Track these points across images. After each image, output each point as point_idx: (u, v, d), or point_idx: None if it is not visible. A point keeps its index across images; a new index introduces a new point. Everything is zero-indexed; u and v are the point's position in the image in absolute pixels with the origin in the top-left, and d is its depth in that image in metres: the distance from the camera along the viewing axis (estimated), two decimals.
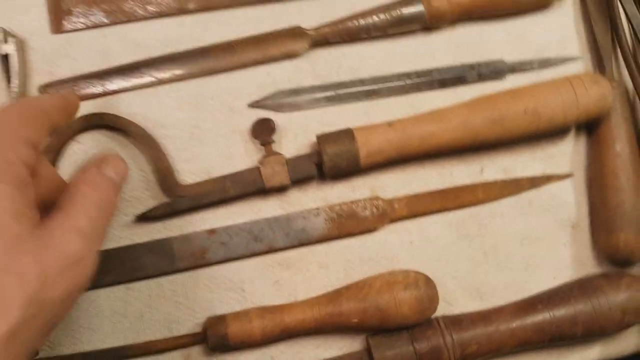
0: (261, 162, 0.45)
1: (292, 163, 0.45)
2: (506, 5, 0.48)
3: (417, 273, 0.44)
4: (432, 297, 0.43)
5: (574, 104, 0.44)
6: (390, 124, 0.45)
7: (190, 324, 0.45)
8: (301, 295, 0.46)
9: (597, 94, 0.44)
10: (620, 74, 0.50)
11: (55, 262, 0.30)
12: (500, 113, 0.44)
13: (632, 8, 0.47)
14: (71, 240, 0.31)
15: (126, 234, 0.45)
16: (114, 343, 0.44)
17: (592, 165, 0.48)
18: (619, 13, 0.49)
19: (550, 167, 0.49)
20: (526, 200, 0.48)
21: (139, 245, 0.45)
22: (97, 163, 0.35)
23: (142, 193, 0.46)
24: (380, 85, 0.48)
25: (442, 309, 0.46)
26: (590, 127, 0.48)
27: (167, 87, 0.47)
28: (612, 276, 0.45)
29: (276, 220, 0.46)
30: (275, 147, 0.46)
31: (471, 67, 0.48)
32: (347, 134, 0.45)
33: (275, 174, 0.45)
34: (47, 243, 0.30)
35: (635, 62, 0.49)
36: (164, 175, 0.45)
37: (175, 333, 0.45)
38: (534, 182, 0.48)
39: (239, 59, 0.47)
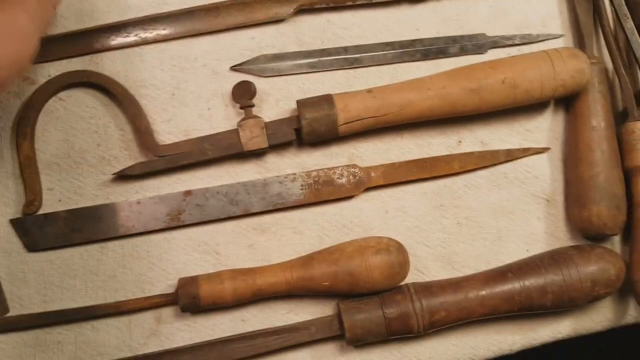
0: (240, 125, 0.45)
1: (271, 127, 0.45)
2: None
3: (390, 239, 0.44)
4: (403, 263, 0.44)
5: (552, 76, 0.44)
6: (370, 91, 0.45)
7: (163, 285, 0.45)
8: (275, 260, 0.46)
9: (574, 67, 0.44)
10: (601, 52, 0.51)
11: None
12: (479, 83, 0.44)
13: None
14: (18, 16, 0.34)
15: (103, 193, 0.46)
16: (86, 302, 0.44)
17: (568, 139, 0.49)
18: None
19: (527, 140, 0.49)
20: (502, 172, 0.49)
21: (115, 204, 0.45)
22: None
23: (121, 152, 0.46)
24: (363, 54, 0.48)
25: (414, 277, 0.47)
26: (569, 102, 0.49)
27: (151, 47, 0.48)
28: (584, 248, 0.45)
29: (253, 184, 0.46)
30: (255, 111, 0.47)
31: (454, 39, 0.49)
32: (326, 100, 0.45)
33: (254, 138, 0.45)
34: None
35: (615, 40, 0.50)
36: (143, 134, 0.45)
37: (148, 294, 0.45)
38: (511, 155, 0.48)
39: (223, 21, 0.47)
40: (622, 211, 0.45)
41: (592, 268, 0.44)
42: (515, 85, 0.44)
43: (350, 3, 0.47)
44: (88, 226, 0.45)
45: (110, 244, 0.45)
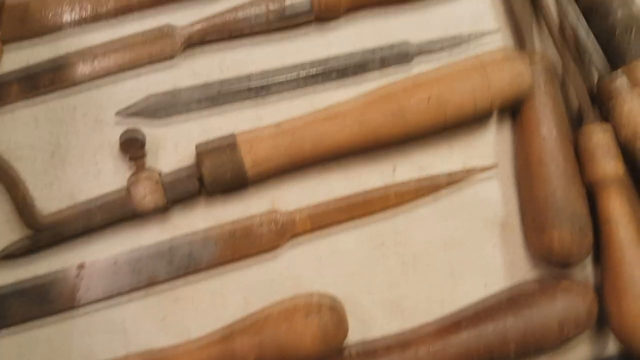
0: (131, 182, 0.38)
1: (169, 180, 0.39)
2: None
3: (322, 296, 0.38)
4: (338, 324, 0.37)
5: (486, 87, 0.38)
6: (278, 126, 0.39)
7: None
8: (194, 333, 0.40)
9: (512, 72, 0.38)
10: (545, 46, 0.44)
11: None
12: (401, 104, 0.38)
13: None
14: None
15: None
16: None
17: (517, 153, 0.42)
18: None
19: (472, 158, 0.43)
20: (446, 199, 0.42)
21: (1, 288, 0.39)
22: None
23: (1, 226, 0.40)
24: (270, 80, 0.42)
25: (359, 331, 0.41)
26: (514, 110, 0.42)
27: (22, 102, 0.41)
28: (547, 282, 0.39)
29: (156, 247, 0.40)
30: (151, 160, 0.40)
31: (372, 52, 0.42)
32: (228, 142, 0.38)
33: (148, 195, 0.38)
34: None
35: (561, 30, 0.43)
36: (22, 205, 0.39)
37: None
38: (453, 178, 0.42)
39: (100, 67, 0.40)
40: (587, 232, 0.39)
41: (558, 306, 0.37)
42: (443, 103, 0.37)
43: (247, 31, 0.41)
44: None
45: (3, 333, 0.39)
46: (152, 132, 0.41)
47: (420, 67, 0.42)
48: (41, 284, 0.39)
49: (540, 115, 0.40)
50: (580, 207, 0.39)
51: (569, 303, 0.38)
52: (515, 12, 0.43)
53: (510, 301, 0.38)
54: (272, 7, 0.40)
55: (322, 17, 0.41)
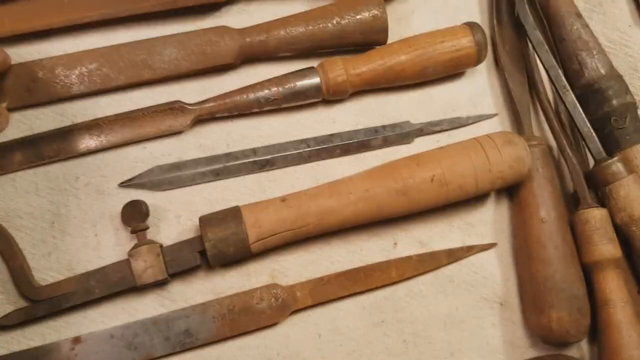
0: (131, 255, 0.38)
1: (170, 252, 0.38)
2: (413, 77, 0.43)
3: None
4: None
5: (487, 169, 0.39)
6: (284, 200, 0.39)
7: None
8: None
9: (512, 156, 0.39)
10: (542, 130, 0.46)
11: None
12: (405, 183, 0.38)
13: (548, 58, 0.43)
14: None
15: None
16: None
17: (516, 233, 0.43)
18: (536, 65, 0.45)
19: (471, 236, 0.43)
20: (446, 276, 0.42)
21: None
22: None
23: None
24: (275, 155, 0.42)
25: None
26: (512, 189, 0.43)
27: (20, 172, 0.41)
28: None
29: (153, 322, 0.39)
30: (153, 231, 0.40)
31: (375, 130, 0.43)
32: (233, 214, 0.38)
33: (149, 268, 0.38)
34: None
35: (557, 116, 0.45)
36: (19, 275, 0.38)
37: None
38: (453, 255, 0.42)
39: (106, 140, 0.41)
40: (584, 314, 0.39)
41: None
42: (446, 183, 0.38)
43: (256, 110, 0.42)
44: None
45: None
46: (155, 202, 0.41)
47: (420, 147, 0.42)
48: (35, 357, 0.37)
49: (538, 198, 0.41)
50: (578, 288, 0.39)
51: None
52: (514, 97, 0.44)
53: None
54: (282, 90, 0.41)
55: (329, 99, 0.42)
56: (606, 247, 0.39)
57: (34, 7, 0.40)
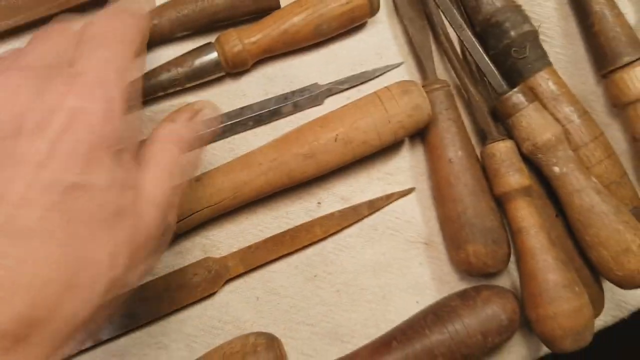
0: None
1: None
2: (310, 37, 0.43)
3: (258, 336, 0.40)
4: None
5: (386, 120, 0.40)
6: (198, 179, 0.41)
7: None
8: None
9: (409, 104, 0.40)
10: (448, 71, 0.46)
11: (142, 238, 0.28)
12: (310, 146, 0.40)
13: (444, 1, 0.43)
14: (154, 214, 0.29)
15: None
16: None
17: (430, 176, 0.44)
18: (435, 8, 0.45)
19: (391, 184, 0.45)
20: (370, 226, 0.44)
21: None
22: (188, 113, 0.33)
23: None
24: None
25: None
26: (422, 134, 0.44)
27: None
28: (468, 294, 0.41)
29: None
30: None
31: (284, 97, 0.44)
32: None
33: None
34: (141, 215, 0.28)
35: (463, 56, 0.46)
36: None
37: None
38: (374, 205, 0.44)
39: None
40: (501, 244, 0.41)
41: (479, 317, 0.40)
42: (350, 140, 0.40)
43: (161, 93, 0.42)
44: None
45: None
46: None
47: (332, 107, 0.43)
48: None
49: (445, 140, 0.42)
50: (491, 221, 0.41)
51: (490, 312, 0.40)
52: (414, 43, 0.45)
53: (435, 317, 0.40)
54: (182, 69, 0.42)
55: (232, 71, 0.43)
56: (513, 178, 0.41)
57: None
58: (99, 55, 0.29)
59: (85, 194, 0.26)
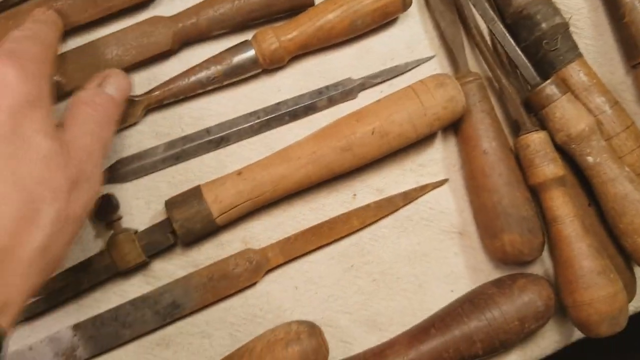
0: (109, 244, 0.41)
1: (144, 237, 0.42)
2: (344, 33, 0.44)
3: (300, 324, 0.41)
4: (317, 349, 0.40)
5: (422, 113, 0.41)
6: (239, 173, 0.42)
7: None
8: None
9: (444, 97, 0.41)
10: (480, 63, 0.47)
11: (76, 177, 0.32)
12: (348, 140, 0.41)
13: None
14: (81, 158, 0.33)
15: None
16: None
17: (464, 167, 0.45)
18: (466, 2, 0.46)
19: (423, 176, 0.46)
20: (405, 217, 0.45)
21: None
22: (98, 81, 0.38)
23: None
24: (228, 131, 0.45)
25: (341, 350, 0.44)
26: (456, 125, 0.45)
27: None
28: (504, 282, 0.42)
29: (142, 300, 0.43)
30: (127, 220, 0.43)
31: (319, 92, 0.45)
32: (194, 194, 0.41)
33: (128, 254, 0.41)
34: (67, 160, 0.32)
35: (494, 48, 0.46)
36: None
37: None
38: (408, 197, 0.45)
39: None
40: (536, 233, 0.42)
41: (516, 304, 0.41)
42: (386, 133, 0.41)
43: (201, 90, 0.44)
44: None
45: None
46: (124, 193, 0.44)
47: (365, 101, 0.44)
48: (44, 346, 0.42)
49: (479, 131, 0.43)
50: (526, 210, 0.42)
51: (527, 299, 0.41)
52: (446, 37, 0.45)
53: (472, 305, 0.41)
54: (221, 67, 0.43)
55: (268, 68, 0.44)
56: (548, 168, 0.42)
57: None
58: (20, 40, 0.34)
59: (19, 143, 0.30)
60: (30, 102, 0.31)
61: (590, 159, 0.42)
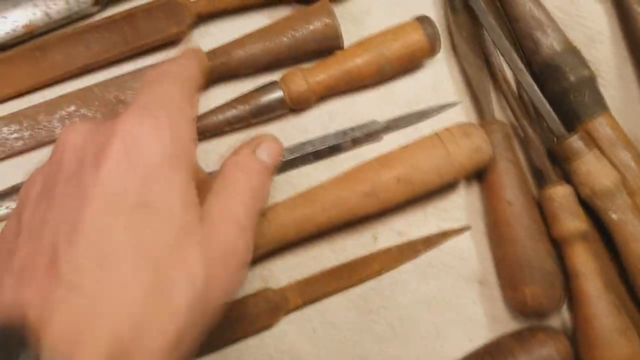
0: None
1: None
2: (372, 77, 0.44)
3: None
4: None
5: (448, 163, 0.41)
6: (263, 214, 0.42)
7: None
8: None
9: (470, 147, 0.41)
10: (506, 111, 0.47)
11: (217, 255, 0.28)
12: (372, 185, 0.41)
13: (502, 42, 0.44)
14: (229, 231, 0.29)
15: None
16: None
17: (487, 216, 0.45)
18: (494, 49, 0.46)
19: (446, 221, 0.46)
20: (426, 262, 0.45)
21: None
22: (250, 146, 0.34)
23: None
24: None
25: None
26: (480, 173, 0.45)
27: None
28: (524, 335, 0.42)
29: None
30: None
31: (344, 133, 0.45)
32: None
33: None
34: (210, 234, 0.28)
35: (520, 97, 0.47)
36: None
37: None
38: (430, 242, 0.45)
39: None
40: (557, 286, 0.42)
41: (535, 359, 0.40)
42: (411, 182, 0.41)
43: (227, 129, 0.44)
44: None
45: None
46: None
47: (390, 144, 0.44)
48: None
49: (504, 181, 0.43)
50: (549, 263, 0.42)
51: (545, 354, 0.40)
52: (472, 83, 0.46)
53: (490, 357, 0.41)
54: (249, 107, 0.43)
55: (295, 109, 0.44)
56: (573, 223, 0.41)
57: (11, 72, 0.42)
58: (154, 89, 0.30)
59: (151, 213, 0.26)
60: (168, 164, 0.27)
61: (614, 215, 0.42)
